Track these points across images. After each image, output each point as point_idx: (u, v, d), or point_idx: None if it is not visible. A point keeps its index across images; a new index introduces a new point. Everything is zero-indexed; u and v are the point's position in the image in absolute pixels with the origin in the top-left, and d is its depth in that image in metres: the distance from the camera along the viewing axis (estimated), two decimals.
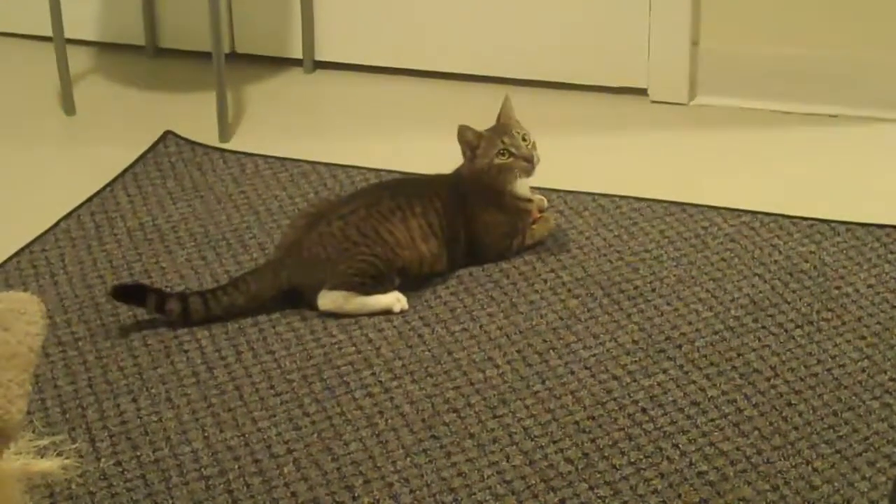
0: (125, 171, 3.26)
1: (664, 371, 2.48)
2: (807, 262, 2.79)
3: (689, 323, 2.61)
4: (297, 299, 2.70)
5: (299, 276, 2.69)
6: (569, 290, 2.73)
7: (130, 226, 3.03)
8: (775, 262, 2.80)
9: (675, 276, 2.76)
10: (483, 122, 3.05)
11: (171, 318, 2.64)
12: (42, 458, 1.72)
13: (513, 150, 2.79)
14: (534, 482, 2.23)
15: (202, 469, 2.29)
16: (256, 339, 2.61)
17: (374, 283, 2.68)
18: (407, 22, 3.71)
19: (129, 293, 2.67)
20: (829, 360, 2.50)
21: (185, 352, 2.59)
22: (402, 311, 2.68)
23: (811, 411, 2.36)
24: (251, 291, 2.67)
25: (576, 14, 3.56)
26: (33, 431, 1.92)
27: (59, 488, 2.21)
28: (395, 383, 2.48)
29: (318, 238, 2.70)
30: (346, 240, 2.69)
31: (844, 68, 3.43)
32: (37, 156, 3.41)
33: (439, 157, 2.89)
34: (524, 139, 2.81)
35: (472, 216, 2.82)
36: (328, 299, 2.67)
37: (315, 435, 2.35)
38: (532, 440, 2.32)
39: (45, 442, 1.76)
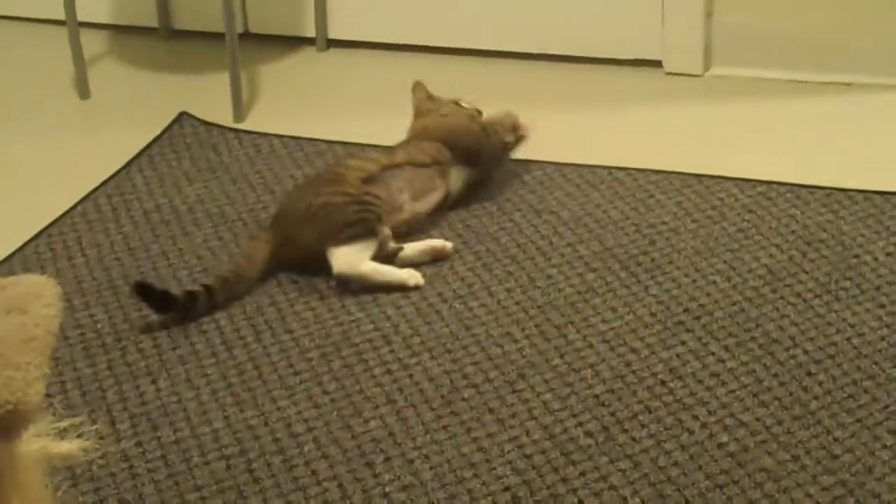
0: (141, 153, 3.27)
1: (683, 343, 2.48)
2: (824, 231, 2.79)
3: (708, 294, 2.61)
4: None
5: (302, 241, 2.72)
6: (586, 264, 2.73)
7: (147, 208, 3.03)
8: (793, 231, 2.79)
9: (692, 247, 2.76)
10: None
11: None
12: (62, 440, 1.72)
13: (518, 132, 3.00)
14: (554, 456, 2.23)
15: (223, 449, 2.29)
16: (275, 319, 2.61)
17: (369, 224, 2.71)
18: None
19: (153, 295, 2.62)
20: (849, 328, 2.49)
21: (204, 332, 2.59)
22: (416, 287, 2.68)
23: (831, 381, 2.36)
24: (251, 277, 2.69)
25: None
26: (53, 414, 1.93)
27: (79, 470, 2.22)
28: (413, 360, 2.48)
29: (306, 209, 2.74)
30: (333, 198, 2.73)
31: (858, 36, 3.41)
32: (52, 140, 3.42)
33: None
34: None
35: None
36: (340, 258, 2.68)
37: (335, 413, 2.36)
38: (551, 414, 2.32)
39: (64, 424, 1.76)
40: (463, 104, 3.04)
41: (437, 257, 2.76)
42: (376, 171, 2.82)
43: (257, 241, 2.76)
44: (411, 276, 2.69)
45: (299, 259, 2.73)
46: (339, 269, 2.68)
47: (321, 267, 2.70)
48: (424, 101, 3.09)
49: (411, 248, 2.75)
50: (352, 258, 2.69)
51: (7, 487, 1.48)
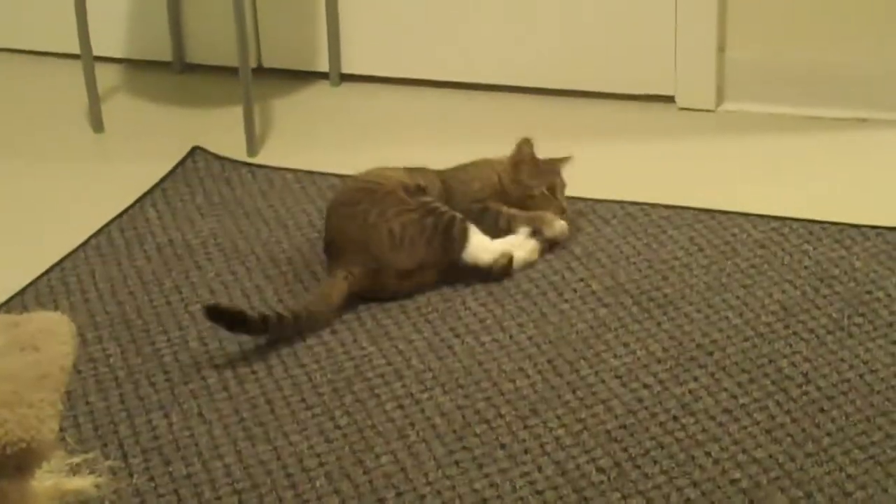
0: (154, 187, 3.28)
1: (695, 379, 2.47)
2: (837, 267, 2.78)
3: (720, 330, 2.60)
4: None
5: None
6: (598, 299, 2.73)
7: (160, 242, 3.04)
8: (805, 267, 2.79)
9: (704, 283, 2.76)
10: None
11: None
12: (75, 475, 1.73)
13: (558, 194, 2.95)
14: (566, 492, 2.22)
15: (234, 483, 2.29)
16: (287, 353, 2.61)
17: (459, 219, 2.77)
18: (432, 34, 3.71)
19: (223, 316, 2.62)
20: (861, 365, 2.48)
21: (216, 366, 2.59)
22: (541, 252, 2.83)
23: (844, 417, 2.35)
24: (325, 315, 2.69)
25: (602, 22, 3.56)
26: (66, 449, 1.93)
27: None
28: (425, 395, 2.48)
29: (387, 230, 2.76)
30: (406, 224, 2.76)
31: (871, 72, 3.42)
32: (66, 173, 3.43)
33: None
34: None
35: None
36: (479, 253, 2.77)
37: (346, 448, 2.36)
38: (563, 450, 2.32)
39: (77, 460, 1.77)
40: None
41: (551, 246, 2.87)
42: (412, 187, 2.84)
43: (334, 279, 2.73)
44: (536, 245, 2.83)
45: (394, 284, 2.75)
46: (484, 258, 2.77)
47: (414, 288, 2.77)
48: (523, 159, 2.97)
49: (522, 252, 2.83)
50: (485, 245, 2.77)
51: None
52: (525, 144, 2.94)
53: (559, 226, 2.89)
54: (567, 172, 2.95)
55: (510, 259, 2.79)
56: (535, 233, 2.88)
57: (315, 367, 2.57)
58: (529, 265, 2.82)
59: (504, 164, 2.95)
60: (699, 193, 3.10)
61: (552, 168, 2.95)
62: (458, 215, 2.78)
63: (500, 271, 2.79)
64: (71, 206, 3.26)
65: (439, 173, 2.95)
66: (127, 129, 3.64)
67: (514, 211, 2.89)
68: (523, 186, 2.93)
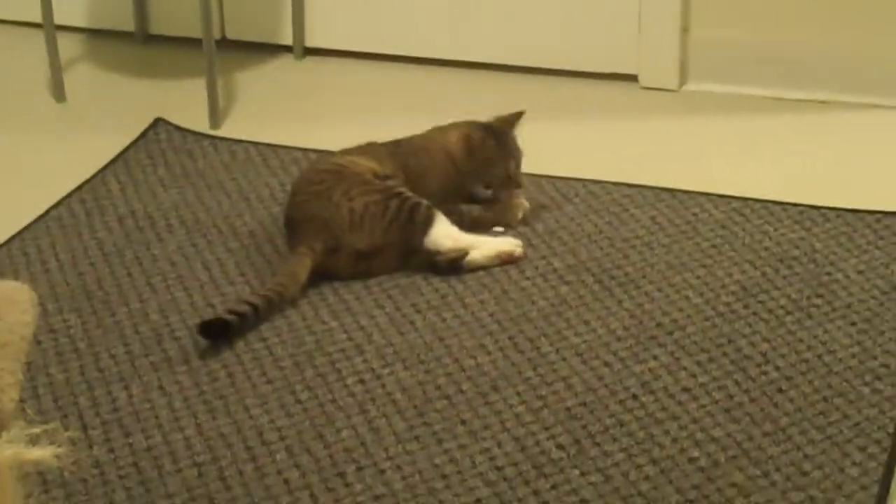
0: (116, 158, 3.26)
1: (655, 358, 2.49)
2: (797, 248, 2.80)
3: (680, 309, 2.62)
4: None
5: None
6: (560, 277, 2.73)
7: (121, 213, 3.03)
8: (766, 248, 2.80)
9: (665, 262, 2.77)
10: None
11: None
12: (34, 446, 1.72)
13: (511, 180, 2.91)
14: (525, 468, 2.23)
15: (194, 456, 2.29)
16: (248, 326, 2.61)
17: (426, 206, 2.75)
18: (398, 8, 3.71)
19: (217, 330, 2.58)
20: (820, 346, 2.50)
21: (177, 339, 2.59)
22: (520, 257, 2.77)
23: (802, 397, 2.37)
24: (294, 294, 2.68)
25: (565, 0, 3.56)
26: (25, 420, 1.92)
27: (51, 476, 2.22)
28: (386, 370, 2.48)
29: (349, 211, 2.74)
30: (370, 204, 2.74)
31: (834, 54, 3.43)
32: (27, 143, 3.41)
33: None
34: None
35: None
36: (441, 239, 2.74)
37: (307, 422, 2.36)
38: (523, 427, 2.33)
39: (37, 430, 1.75)
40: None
41: (506, 261, 2.77)
42: (379, 171, 2.83)
43: (298, 256, 2.72)
44: (517, 247, 2.78)
45: (350, 265, 2.74)
46: (447, 245, 2.73)
47: (372, 271, 2.75)
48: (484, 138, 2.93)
49: (478, 253, 2.76)
50: (450, 232, 2.75)
51: None
52: (474, 134, 2.89)
53: (519, 213, 2.91)
54: (531, 150, 2.95)
55: (463, 255, 2.75)
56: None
57: (276, 341, 2.57)
58: (481, 268, 2.76)
59: (452, 152, 2.90)
60: (661, 173, 3.11)
61: (505, 143, 2.90)
62: (425, 202, 2.75)
63: (449, 263, 2.75)
64: (32, 176, 3.24)
65: (396, 155, 2.90)
66: (89, 99, 3.62)
67: (476, 215, 2.90)
68: (477, 175, 2.90)
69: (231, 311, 2.59)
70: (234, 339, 2.57)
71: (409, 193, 2.77)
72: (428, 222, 2.73)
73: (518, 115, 2.94)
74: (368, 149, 2.91)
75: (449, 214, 2.79)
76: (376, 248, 2.75)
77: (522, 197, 2.93)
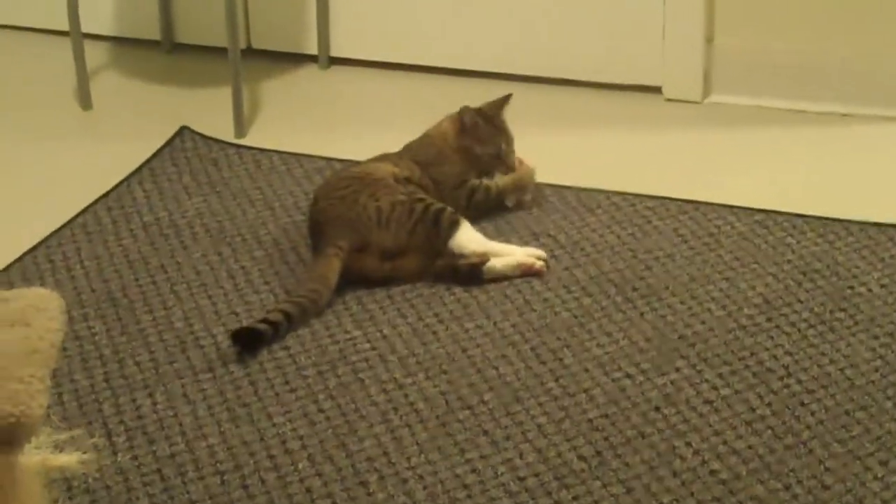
0: (141, 166, 3.28)
1: (677, 370, 2.49)
2: (820, 261, 2.80)
3: (703, 322, 2.62)
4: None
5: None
6: (582, 288, 2.74)
7: (146, 221, 3.04)
8: (788, 261, 2.81)
9: (688, 274, 2.77)
10: None
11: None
12: (60, 452, 1.74)
13: (506, 157, 3.02)
14: (547, 479, 2.24)
15: (218, 464, 2.30)
16: (282, 334, 2.62)
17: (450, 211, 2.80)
18: (422, 19, 3.72)
19: (248, 339, 2.59)
20: (842, 359, 2.50)
21: (201, 347, 2.60)
22: (541, 271, 2.78)
23: (824, 411, 2.37)
24: (327, 297, 2.70)
25: (590, 11, 3.57)
26: (52, 426, 1.94)
27: (76, 482, 2.23)
28: (409, 380, 2.49)
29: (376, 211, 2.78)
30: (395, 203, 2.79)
31: (858, 66, 3.43)
32: (53, 150, 3.43)
33: None
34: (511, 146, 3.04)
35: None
36: (465, 242, 2.77)
37: (330, 431, 2.37)
38: (545, 438, 2.33)
39: (63, 437, 1.78)
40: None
41: (527, 273, 2.79)
42: (399, 173, 2.89)
43: (326, 258, 2.74)
44: (538, 257, 2.80)
45: (377, 265, 2.76)
46: (474, 250, 2.76)
47: (397, 272, 2.77)
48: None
49: (499, 262, 2.78)
50: (473, 236, 2.78)
51: (7, 499, 1.49)
52: (465, 114, 3.00)
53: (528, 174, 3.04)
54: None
55: (483, 261, 2.76)
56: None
57: (299, 350, 2.58)
58: (501, 277, 2.76)
59: (448, 134, 3.02)
60: (684, 185, 3.12)
61: (495, 124, 3.02)
62: (450, 208, 2.80)
63: (470, 268, 2.76)
64: (58, 184, 3.26)
65: (408, 155, 2.99)
66: (115, 107, 3.64)
67: (497, 181, 3.00)
68: (471, 155, 2.99)
69: (264, 321, 2.61)
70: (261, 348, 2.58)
71: (433, 200, 2.81)
72: (453, 227, 2.77)
73: (505, 98, 3.05)
74: (384, 156, 2.98)
75: (473, 194, 2.94)
76: (402, 248, 2.77)
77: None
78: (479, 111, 3.02)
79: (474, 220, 2.87)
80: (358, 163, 2.99)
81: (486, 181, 2.99)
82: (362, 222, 2.76)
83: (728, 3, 3.50)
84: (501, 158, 3.01)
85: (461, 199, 2.93)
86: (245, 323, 2.64)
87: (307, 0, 3.78)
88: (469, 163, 2.99)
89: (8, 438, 1.43)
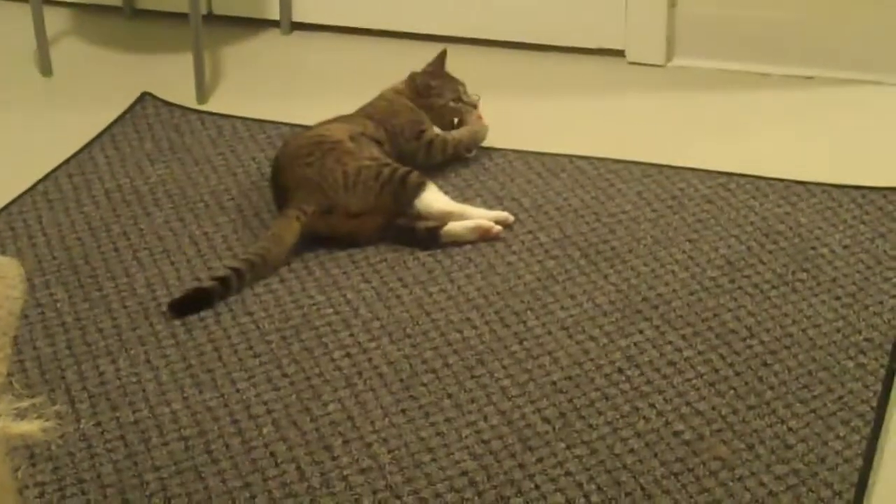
0: (102, 132, 3.26)
1: (640, 332, 2.50)
2: (782, 223, 2.81)
3: (666, 284, 2.63)
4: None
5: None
6: (546, 252, 2.74)
7: (108, 187, 3.03)
8: (751, 223, 2.81)
9: (651, 237, 2.78)
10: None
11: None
12: (22, 420, 1.72)
13: (464, 98, 3.09)
14: (511, 442, 2.24)
15: (181, 430, 2.30)
16: (234, 301, 2.62)
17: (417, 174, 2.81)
18: None
19: (188, 305, 2.60)
20: (804, 320, 2.51)
21: (164, 313, 2.59)
22: (497, 236, 2.79)
23: (786, 371, 2.38)
24: (279, 258, 2.71)
25: None
26: (13, 394, 1.93)
27: (38, 450, 2.22)
28: (373, 344, 2.49)
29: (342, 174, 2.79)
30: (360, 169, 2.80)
31: (821, 30, 3.44)
32: (13, 117, 3.41)
33: None
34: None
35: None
36: (432, 201, 2.78)
37: (294, 395, 2.37)
38: (509, 400, 2.34)
39: (24, 404, 1.76)
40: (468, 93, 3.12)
41: (484, 237, 2.79)
42: (355, 131, 2.92)
43: (286, 219, 2.75)
44: (503, 220, 2.82)
45: (343, 225, 2.77)
46: (440, 209, 2.78)
47: (362, 235, 2.78)
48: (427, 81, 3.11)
49: (458, 225, 2.79)
50: (440, 197, 2.80)
51: None
52: (416, 79, 3.09)
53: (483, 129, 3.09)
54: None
55: (441, 224, 2.77)
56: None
57: (263, 315, 2.58)
58: (459, 241, 2.77)
59: (402, 90, 3.09)
60: (647, 148, 3.12)
61: (444, 77, 3.10)
62: (416, 171, 2.81)
63: (428, 231, 2.77)
64: (18, 151, 3.24)
65: (364, 113, 3.03)
66: (76, 73, 3.61)
67: (453, 133, 3.05)
68: (437, 107, 3.06)
69: (212, 278, 2.61)
70: (222, 311, 2.57)
71: (398, 165, 2.82)
72: (419, 188, 2.77)
73: (442, 55, 3.12)
74: (337, 118, 3.00)
75: (430, 145, 3.00)
76: (368, 210, 2.77)
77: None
78: (425, 73, 3.09)
79: (435, 176, 2.90)
80: (311, 127, 2.97)
81: (442, 133, 3.02)
82: (329, 185, 2.76)
83: None
84: (464, 100, 3.07)
85: (419, 150, 2.97)
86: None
87: None
88: (433, 116, 3.05)
89: None
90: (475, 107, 3.09)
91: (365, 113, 3.02)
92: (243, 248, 2.76)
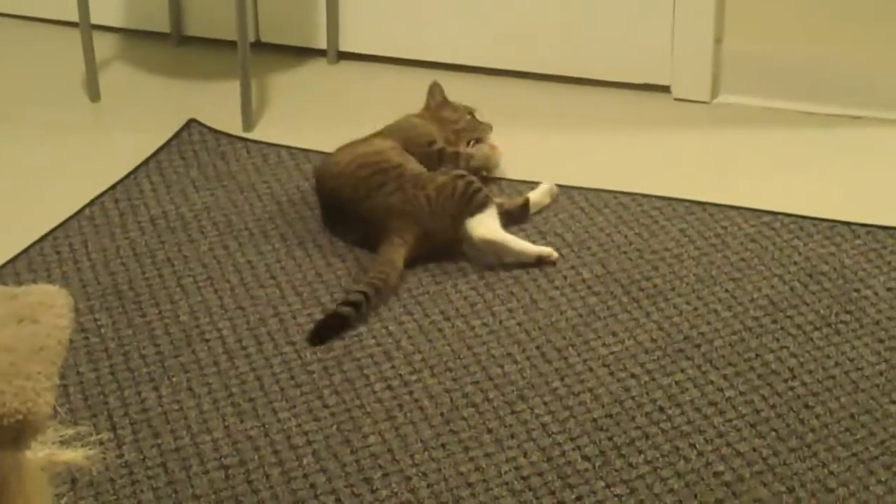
0: (149, 158, 3.28)
1: (682, 370, 2.49)
2: (826, 263, 2.80)
3: (708, 323, 2.62)
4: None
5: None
6: (588, 288, 2.74)
7: (153, 213, 3.05)
8: (795, 263, 2.81)
9: (694, 275, 2.77)
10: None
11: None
12: (66, 447, 1.74)
13: (478, 127, 3.20)
14: (551, 479, 2.24)
15: (222, 459, 2.31)
16: (277, 330, 2.63)
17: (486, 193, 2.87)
18: (431, 14, 3.72)
19: (327, 331, 2.63)
20: (847, 362, 2.51)
21: (207, 341, 2.60)
22: (554, 262, 2.83)
23: (828, 413, 2.37)
24: (396, 282, 2.76)
25: (599, 10, 3.57)
26: (58, 421, 1.94)
27: (80, 476, 2.23)
28: (414, 377, 2.49)
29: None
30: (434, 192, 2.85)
31: (868, 69, 3.43)
32: (61, 142, 3.43)
33: None
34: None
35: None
36: (478, 227, 2.81)
37: (334, 427, 2.37)
38: (550, 437, 2.34)
39: (69, 432, 1.77)
40: (476, 116, 3.19)
41: (542, 262, 2.85)
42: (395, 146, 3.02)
43: (392, 246, 2.78)
44: (550, 252, 2.84)
45: (439, 240, 2.83)
46: (482, 235, 2.81)
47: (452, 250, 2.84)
48: (439, 103, 3.21)
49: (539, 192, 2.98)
50: (489, 223, 2.82)
51: (14, 496, 1.49)
52: (436, 88, 3.21)
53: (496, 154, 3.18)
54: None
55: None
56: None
57: (305, 346, 2.58)
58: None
59: (421, 112, 3.18)
60: (691, 185, 3.12)
61: (451, 104, 3.21)
62: (486, 190, 2.87)
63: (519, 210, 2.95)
64: (65, 175, 3.26)
65: (390, 133, 3.10)
66: (123, 99, 3.64)
67: (467, 150, 3.12)
68: (450, 123, 3.14)
69: (345, 303, 2.65)
70: (264, 341, 2.59)
71: (474, 178, 2.88)
72: (480, 208, 2.82)
73: (434, 86, 3.23)
74: (355, 142, 3.06)
75: (443, 153, 3.05)
76: (451, 223, 2.84)
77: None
78: (432, 103, 3.22)
79: None
80: (343, 148, 3.04)
81: (455, 147, 3.10)
82: (419, 212, 2.82)
83: (737, 3, 3.49)
84: (475, 119, 3.17)
85: (432, 156, 3.03)
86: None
87: None
88: (447, 131, 3.13)
89: (15, 436, 1.43)
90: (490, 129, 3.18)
91: (385, 132, 3.08)
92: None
